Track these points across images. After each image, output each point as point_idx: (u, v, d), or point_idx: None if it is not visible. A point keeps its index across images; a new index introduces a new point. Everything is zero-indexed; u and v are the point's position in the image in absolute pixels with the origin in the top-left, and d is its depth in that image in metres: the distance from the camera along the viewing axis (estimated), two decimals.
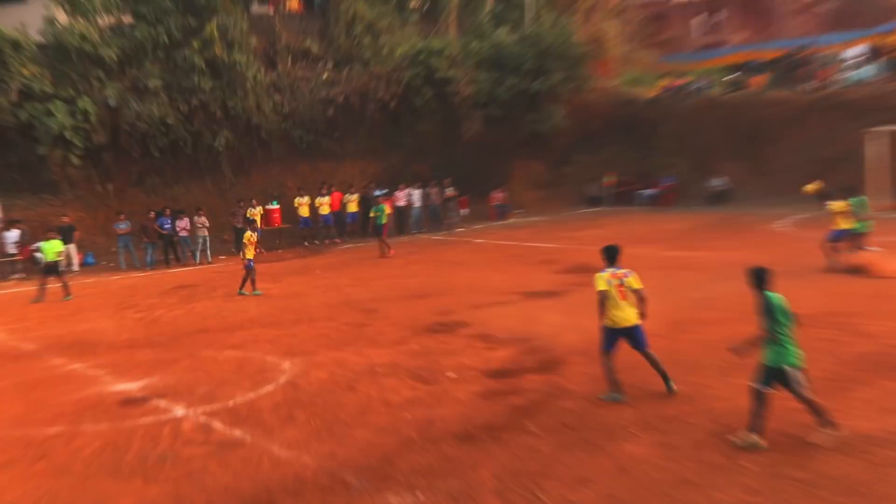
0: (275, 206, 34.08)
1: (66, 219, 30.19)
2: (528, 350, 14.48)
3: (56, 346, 17.54)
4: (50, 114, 31.32)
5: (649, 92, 45.63)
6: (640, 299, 11.73)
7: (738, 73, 45.39)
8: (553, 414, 11.21)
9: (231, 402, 12.60)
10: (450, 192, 36.37)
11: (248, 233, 23.07)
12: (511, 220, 38.04)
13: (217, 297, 22.90)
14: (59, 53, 32.76)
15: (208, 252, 30.71)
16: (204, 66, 33.34)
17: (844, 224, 20.43)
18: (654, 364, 11.77)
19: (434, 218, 36.12)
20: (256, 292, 22.59)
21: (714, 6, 72.09)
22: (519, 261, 25.63)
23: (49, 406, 13.02)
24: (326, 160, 37.57)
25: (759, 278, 9.88)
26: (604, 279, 11.73)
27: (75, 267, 29.85)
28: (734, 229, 28.93)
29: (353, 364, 14.36)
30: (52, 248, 23.74)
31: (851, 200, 20.48)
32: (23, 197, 32.22)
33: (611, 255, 11.98)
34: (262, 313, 19.89)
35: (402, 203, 35.49)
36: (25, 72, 31.43)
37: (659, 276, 20.95)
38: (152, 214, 30.35)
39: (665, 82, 44.59)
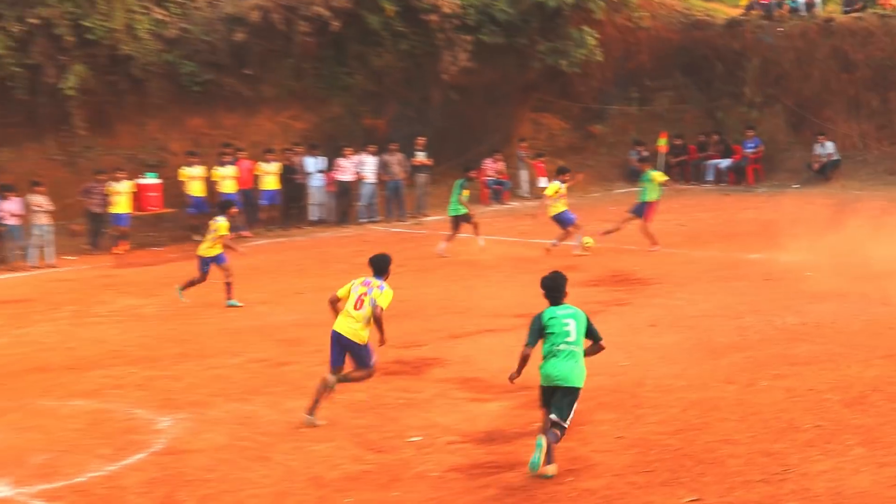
0: (151, 179, 34.10)
1: None
2: (532, 402, 14.56)
3: None
4: None
5: (728, 10, 45.83)
6: (379, 318, 14.49)
7: None
8: (570, 499, 11.40)
9: (81, 479, 12.72)
10: (420, 158, 36.46)
11: (222, 221, 23.35)
12: (512, 204, 38.22)
13: (62, 318, 22.99)
14: None
15: (49, 249, 30.76)
16: None
17: None
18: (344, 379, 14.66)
19: (395, 199, 36.24)
20: (232, 302, 23.14)
21: None
22: (522, 266, 25.76)
23: None
24: (231, 110, 37.56)
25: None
26: (352, 285, 14.76)
27: None
28: (849, 221, 29.18)
29: (267, 422, 14.52)
30: None
31: None
32: None
33: (378, 267, 14.95)
34: (128, 344, 20.02)
35: (346, 177, 35.58)
36: None
37: (732, 292, 21.28)
38: None
39: None
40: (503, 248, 28.89)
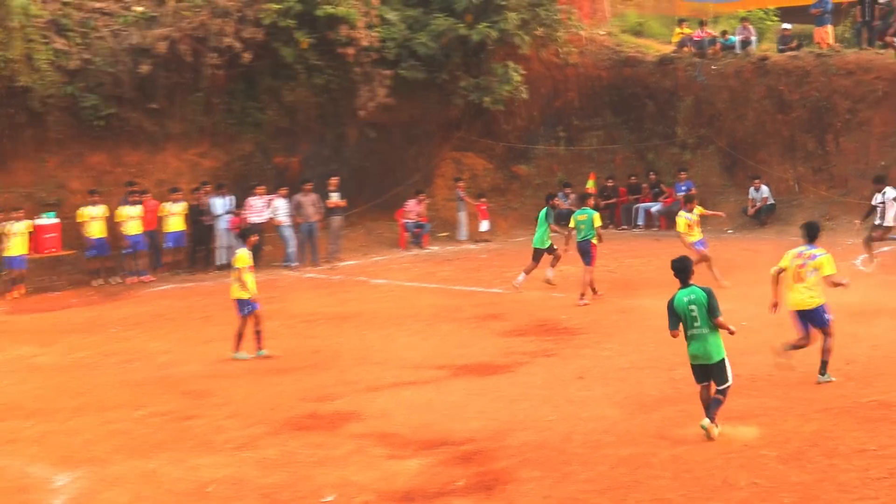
0: (49, 219, 33.77)
1: None
2: (454, 459, 14.67)
3: None
4: None
5: (660, 47, 46.32)
6: (833, 284, 17.50)
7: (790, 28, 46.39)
8: None
9: None
10: (334, 200, 36.35)
11: (244, 252, 22.51)
12: (432, 248, 38.27)
13: None
14: None
15: None
16: None
17: None
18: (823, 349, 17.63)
19: (308, 242, 36.05)
20: (244, 353, 22.01)
21: None
22: (443, 315, 25.83)
23: None
24: (136, 147, 37.20)
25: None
26: (789, 258, 17.71)
27: None
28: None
29: (171, 480, 14.39)
30: None
31: None
32: None
33: (810, 233, 17.84)
34: (22, 395, 19.79)
35: (259, 218, 35.38)
36: None
37: (664, 343, 21.37)
38: None
39: (685, 32, 45.26)
40: (424, 296, 28.92)
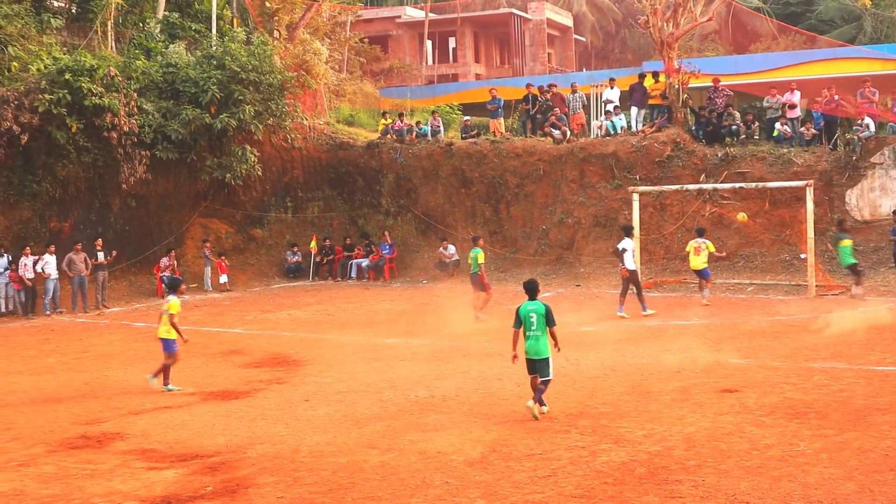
0: None
1: None
2: (203, 469, 14.45)
3: None
4: None
5: (368, 134, 46.96)
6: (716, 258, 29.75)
7: (469, 119, 47.72)
8: None
9: None
10: (101, 258, 35.56)
11: (175, 300, 21.41)
12: (184, 297, 37.58)
13: None
14: None
15: None
16: None
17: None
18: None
19: (79, 293, 35.02)
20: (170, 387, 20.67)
21: (448, 31, 75.53)
22: (193, 351, 25.42)
23: None
24: None
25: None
26: (690, 245, 29.08)
27: None
28: (464, 311, 30.09)
29: None
30: None
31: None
32: None
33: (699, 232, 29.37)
34: None
35: (28, 273, 34.14)
36: None
37: (374, 371, 21.63)
38: None
39: (387, 123, 46.01)
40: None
